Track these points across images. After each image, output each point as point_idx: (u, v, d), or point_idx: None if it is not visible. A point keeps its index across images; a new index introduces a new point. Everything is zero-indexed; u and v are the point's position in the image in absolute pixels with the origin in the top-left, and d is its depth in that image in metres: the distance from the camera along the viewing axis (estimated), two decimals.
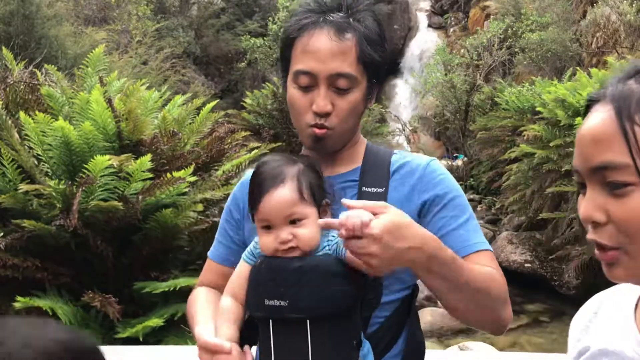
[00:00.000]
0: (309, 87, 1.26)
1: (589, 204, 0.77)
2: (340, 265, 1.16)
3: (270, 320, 1.18)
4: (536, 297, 7.16)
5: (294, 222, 1.19)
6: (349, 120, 1.28)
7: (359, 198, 1.27)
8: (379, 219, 1.03)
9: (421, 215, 1.28)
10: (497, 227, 9.63)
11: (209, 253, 1.52)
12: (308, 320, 1.14)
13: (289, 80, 1.30)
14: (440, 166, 1.36)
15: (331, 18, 1.27)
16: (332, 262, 1.17)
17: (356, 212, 1.03)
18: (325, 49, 1.24)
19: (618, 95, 0.74)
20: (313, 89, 1.26)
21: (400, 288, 1.29)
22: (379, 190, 1.30)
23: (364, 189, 1.30)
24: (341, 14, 1.28)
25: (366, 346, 1.21)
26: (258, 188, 1.22)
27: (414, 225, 1.09)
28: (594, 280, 6.26)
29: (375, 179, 1.32)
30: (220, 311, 1.27)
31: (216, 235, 1.50)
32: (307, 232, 1.18)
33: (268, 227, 1.20)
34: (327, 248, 1.19)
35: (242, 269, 1.27)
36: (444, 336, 6.00)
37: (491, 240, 8.79)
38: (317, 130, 1.27)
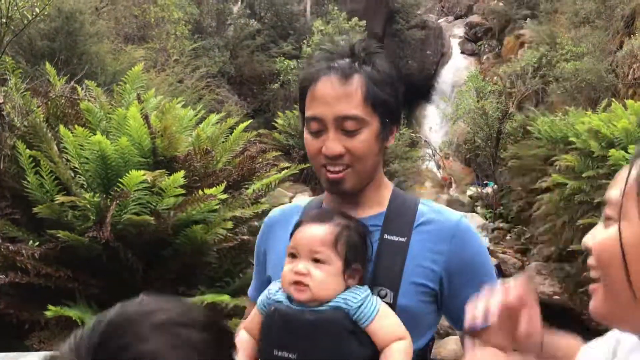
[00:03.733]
0: (320, 131, 1.29)
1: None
2: (353, 324, 1.16)
3: None
4: (564, 330, 7.00)
5: (316, 261, 1.20)
6: (364, 161, 1.29)
7: (380, 245, 1.29)
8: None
9: (445, 280, 1.28)
10: (526, 257, 9.48)
11: (248, 291, 1.56)
12: None
13: (305, 127, 1.34)
14: (469, 227, 1.35)
15: (337, 65, 1.30)
16: (344, 319, 1.16)
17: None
18: (330, 94, 1.27)
19: None
20: (323, 133, 1.29)
21: (416, 339, 1.27)
22: (400, 239, 1.29)
23: (385, 236, 1.30)
24: (348, 60, 1.31)
25: None
26: (304, 219, 1.26)
27: None
28: None
29: (398, 227, 1.31)
30: (238, 345, 1.29)
31: (253, 272, 1.54)
32: (322, 276, 1.19)
33: (293, 256, 1.22)
34: (342, 302, 1.18)
35: (257, 310, 1.30)
36: None
37: (520, 270, 8.66)
38: (330, 175, 1.30)
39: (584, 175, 6.88)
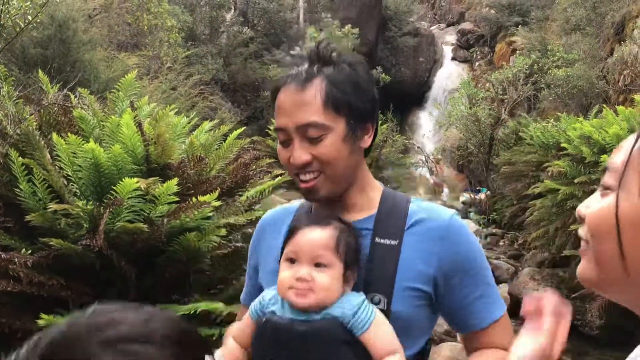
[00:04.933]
0: (287, 141, 1.28)
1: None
2: (347, 333, 1.14)
3: None
4: None
5: (318, 265, 1.18)
6: (334, 165, 1.26)
7: (372, 249, 1.26)
8: None
9: (440, 281, 1.26)
10: (519, 262, 9.51)
11: (241, 296, 1.55)
12: None
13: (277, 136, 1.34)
14: (461, 224, 1.33)
15: (296, 71, 1.28)
16: (338, 328, 1.14)
17: None
18: (288, 103, 1.26)
19: None
20: (290, 143, 1.28)
21: (412, 345, 1.27)
22: (392, 242, 1.27)
23: (377, 239, 1.28)
24: (306, 65, 1.29)
25: None
26: (301, 222, 1.24)
27: None
28: (618, 322, 6.12)
29: (390, 230, 1.28)
30: (227, 354, 1.28)
31: (246, 276, 1.53)
32: (326, 280, 1.17)
33: (291, 261, 1.20)
34: (339, 310, 1.16)
35: (247, 317, 1.28)
36: None
37: (513, 276, 8.68)
38: (302, 185, 1.29)
39: (576, 181, 6.92)
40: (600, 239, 0.75)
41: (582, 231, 0.80)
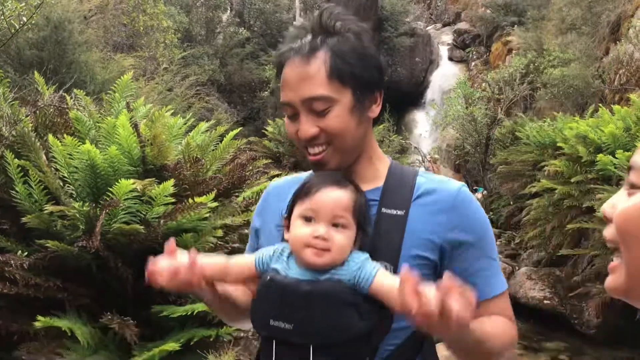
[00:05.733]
0: (294, 115, 1.28)
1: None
2: (353, 294, 1.13)
3: (274, 341, 1.17)
4: (555, 334, 7.03)
5: (335, 226, 1.17)
6: (342, 137, 1.26)
7: (378, 219, 1.26)
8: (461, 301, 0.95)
9: (446, 250, 1.25)
10: (516, 262, 9.52)
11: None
12: (312, 346, 1.12)
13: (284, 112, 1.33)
14: (470, 196, 1.32)
15: (299, 44, 1.27)
16: (343, 290, 1.14)
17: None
18: (293, 77, 1.25)
19: None
20: (297, 117, 1.28)
21: None
22: (399, 212, 1.26)
23: (383, 210, 1.27)
24: (310, 37, 1.28)
25: None
26: (317, 182, 1.21)
27: None
28: (615, 321, 6.14)
29: (396, 200, 1.28)
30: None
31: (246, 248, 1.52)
32: (345, 241, 1.17)
33: (308, 220, 1.18)
34: (344, 271, 1.16)
35: (250, 263, 1.25)
36: None
37: (510, 275, 8.69)
38: (311, 158, 1.29)
39: (572, 180, 6.93)
40: (630, 239, 0.71)
41: (609, 232, 0.77)
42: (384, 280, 1.13)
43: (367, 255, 1.19)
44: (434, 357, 1.32)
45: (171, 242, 1.17)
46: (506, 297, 1.30)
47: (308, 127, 1.25)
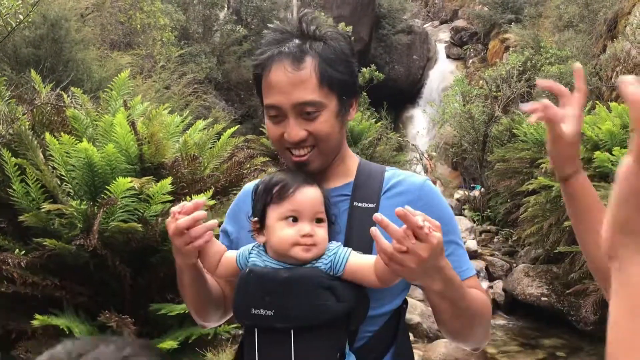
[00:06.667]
0: (279, 117, 1.31)
1: None
2: (329, 278, 1.21)
3: (256, 329, 1.22)
4: (552, 331, 7.05)
5: (318, 221, 1.25)
6: (327, 140, 1.32)
7: (350, 213, 1.33)
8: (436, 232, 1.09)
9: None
10: (513, 259, 9.54)
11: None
12: (292, 330, 1.18)
13: (265, 113, 1.36)
14: (434, 187, 1.40)
15: (287, 48, 1.30)
16: (320, 274, 1.21)
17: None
18: (284, 81, 1.28)
19: None
20: (283, 119, 1.31)
21: (390, 301, 1.33)
22: (370, 205, 1.33)
23: (355, 203, 1.35)
24: (297, 41, 1.31)
25: (351, 359, 1.24)
26: (290, 184, 1.27)
27: None
28: None
29: (367, 194, 1.36)
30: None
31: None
32: (324, 234, 1.25)
33: (294, 220, 1.24)
34: (320, 261, 1.24)
35: (230, 259, 1.34)
36: None
37: (507, 272, 8.70)
38: (295, 159, 1.33)
39: None
40: None
41: None
42: (356, 260, 1.22)
43: (340, 243, 1.28)
44: (407, 342, 1.40)
45: (202, 200, 1.31)
46: (474, 281, 1.38)
47: (297, 130, 1.29)
